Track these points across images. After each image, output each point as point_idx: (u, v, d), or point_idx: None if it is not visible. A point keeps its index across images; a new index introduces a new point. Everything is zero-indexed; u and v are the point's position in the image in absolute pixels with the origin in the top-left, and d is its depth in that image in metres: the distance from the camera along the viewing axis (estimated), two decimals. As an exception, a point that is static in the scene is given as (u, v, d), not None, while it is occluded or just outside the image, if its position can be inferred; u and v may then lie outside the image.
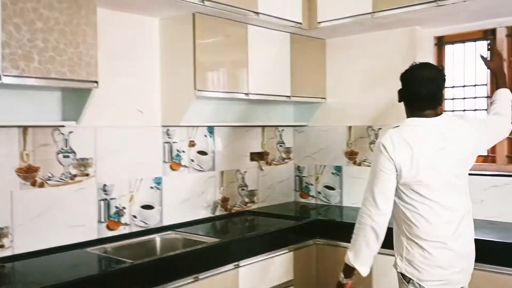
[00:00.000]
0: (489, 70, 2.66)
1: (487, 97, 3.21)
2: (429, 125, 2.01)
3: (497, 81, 2.41)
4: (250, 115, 3.54)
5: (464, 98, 3.35)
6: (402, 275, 2.06)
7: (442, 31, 3.36)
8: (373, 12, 3.06)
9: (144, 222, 2.92)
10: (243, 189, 3.55)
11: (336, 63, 3.74)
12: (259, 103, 3.53)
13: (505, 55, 3.08)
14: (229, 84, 3.01)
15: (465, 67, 3.34)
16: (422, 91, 2.01)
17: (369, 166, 3.50)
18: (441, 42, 3.43)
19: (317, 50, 3.72)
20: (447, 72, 3.38)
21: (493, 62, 2.44)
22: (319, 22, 3.33)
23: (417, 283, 2.00)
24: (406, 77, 2.10)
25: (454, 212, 2.02)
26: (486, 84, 3.23)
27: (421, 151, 1.97)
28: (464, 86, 3.35)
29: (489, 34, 3.18)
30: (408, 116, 2.10)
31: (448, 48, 3.42)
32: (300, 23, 3.30)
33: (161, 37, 2.98)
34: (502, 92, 2.33)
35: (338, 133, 3.74)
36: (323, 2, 3.30)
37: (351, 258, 2.08)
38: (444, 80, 2.07)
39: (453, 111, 3.39)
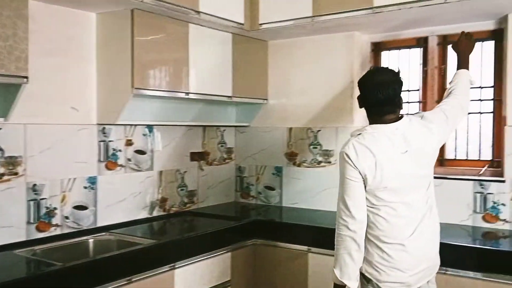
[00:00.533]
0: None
1: (419, 102, 3.35)
2: (391, 131, 2.01)
3: (460, 63, 2.46)
4: (191, 115, 3.50)
5: (398, 103, 3.46)
6: (362, 274, 2.08)
7: (379, 37, 3.47)
8: (313, 16, 3.12)
9: (76, 223, 2.83)
10: (182, 189, 3.51)
11: (278, 65, 3.78)
12: (201, 102, 3.51)
13: (436, 63, 3.24)
14: (169, 83, 2.97)
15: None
16: (378, 96, 1.99)
17: (308, 167, 3.61)
18: (378, 48, 3.54)
19: (259, 51, 3.74)
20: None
21: (462, 46, 2.51)
22: (261, 24, 3.35)
23: (376, 283, 2.03)
24: (362, 83, 2.10)
25: (414, 212, 2.04)
26: (418, 90, 3.36)
27: (384, 158, 1.98)
28: (398, 91, 3.46)
29: (422, 42, 3.32)
30: (370, 122, 2.09)
31: (384, 54, 3.54)
32: (242, 24, 3.31)
33: (98, 33, 2.90)
34: (462, 73, 2.38)
35: (279, 134, 3.78)
36: (265, 4, 3.32)
37: (338, 274, 2.02)
38: (400, 83, 2.05)
39: (388, 115, 3.51)
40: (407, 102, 3.42)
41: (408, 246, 2.01)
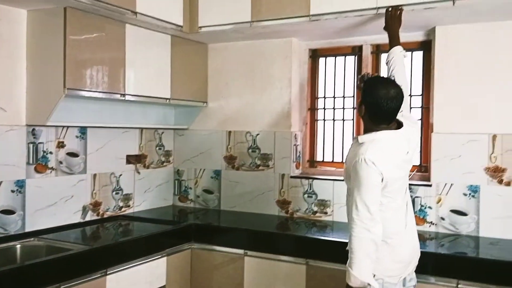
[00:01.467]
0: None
1: (353, 108, 3.46)
2: (397, 136, 2.15)
3: (391, 41, 2.61)
4: (128, 116, 3.43)
5: (334, 108, 3.57)
6: None
7: (316, 44, 3.55)
8: (252, 22, 3.15)
9: (3, 228, 2.69)
10: (117, 193, 3.43)
11: (218, 68, 3.78)
12: (138, 104, 3.44)
13: (369, 70, 3.36)
14: (104, 84, 2.90)
15: (336, 79, 3.56)
16: (391, 107, 2.10)
17: (247, 170, 3.63)
18: (315, 55, 3.62)
19: (199, 54, 3.73)
20: (321, 83, 3.63)
21: (388, 25, 2.66)
22: (200, 27, 3.34)
23: (381, 279, 2.10)
24: (374, 94, 2.13)
25: (404, 206, 2.20)
26: (353, 96, 3.47)
27: (396, 161, 2.12)
28: (334, 97, 3.57)
29: (356, 51, 3.43)
30: (371, 129, 2.16)
31: (321, 61, 3.63)
32: (181, 26, 3.28)
33: (29, 30, 2.78)
34: (396, 50, 2.55)
35: (218, 138, 3.78)
36: (204, 8, 3.31)
37: (358, 276, 2.01)
38: (404, 95, 2.18)
39: (324, 120, 3.61)
40: (343, 108, 3.53)
41: (406, 239, 2.18)
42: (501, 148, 2.86)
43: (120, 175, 3.45)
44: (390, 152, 2.11)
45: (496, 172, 2.87)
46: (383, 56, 3.40)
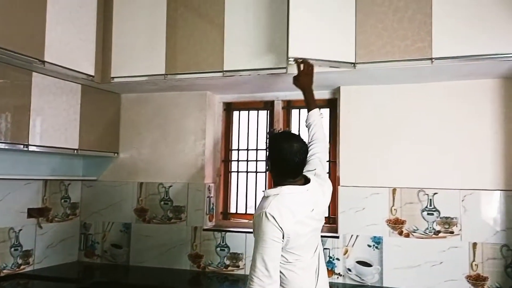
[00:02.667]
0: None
1: (266, 160, 3.53)
2: (303, 192, 2.13)
3: (308, 100, 2.58)
4: (31, 167, 3.25)
5: (248, 160, 3.63)
6: None
7: (230, 98, 3.64)
8: (166, 74, 3.16)
9: None
10: (16, 249, 3.18)
11: (131, 118, 3.73)
12: (42, 154, 3.27)
13: (281, 125, 3.48)
14: (5, 133, 2.74)
15: (249, 132, 3.65)
16: (294, 161, 2.11)
17: (159, 223, 3.54)
18: (229, 108, 3.70)
19: (111, 103, 3.66)
20: (235, 136, 3.69)
21: (300, 81, 2.63)
22: (113, 77, 3.29)
23: None
24: (277, 149, 2.15)
25: (315, 264, 2.18)
26: (265, 149, 3.56)
27: (300, 217, 2.08)
28: (248, 150, 3.64)
29: (269, 105, 3.56)
30: (278, 183, 2.16)
31: (235, 114, 3.71)
32: (92, 76, 3.21)
33: None
34: (315, 113, 2.53)
35: (129, 189, 3.68)
36: (117, 58, 3.27)
37: None
38: (308, 149, 2.22)
39: (238, 172, 3.65)
40: (256, 160, 3.60)
41: None
42: (400, 201, 3.05)
43: (20, 230, 3.21)
44: (293, 208, 2.09)
45: (396, 224, 3.04)
46: (294, 112, 3.55)
